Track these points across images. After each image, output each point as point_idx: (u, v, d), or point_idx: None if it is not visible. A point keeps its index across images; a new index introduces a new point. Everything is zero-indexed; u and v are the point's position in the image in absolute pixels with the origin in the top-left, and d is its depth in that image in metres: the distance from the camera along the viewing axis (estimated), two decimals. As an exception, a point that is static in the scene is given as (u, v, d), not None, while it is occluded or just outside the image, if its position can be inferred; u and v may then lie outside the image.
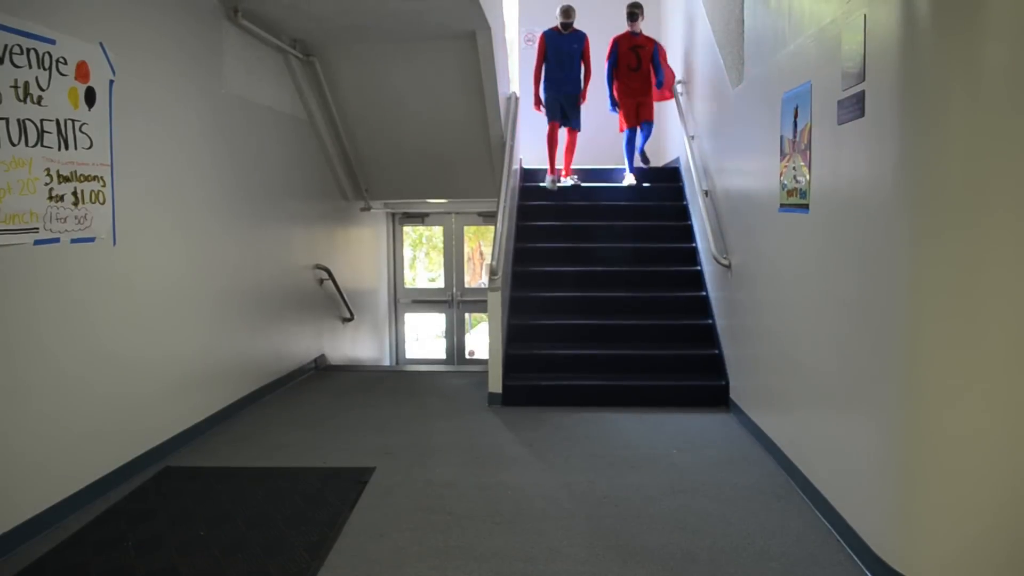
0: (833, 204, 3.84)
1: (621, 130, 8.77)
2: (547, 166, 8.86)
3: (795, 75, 4.37)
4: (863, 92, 3.42)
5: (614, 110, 8.81)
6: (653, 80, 8.73)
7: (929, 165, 3.02)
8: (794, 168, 4.39)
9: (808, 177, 4.16)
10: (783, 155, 4.60)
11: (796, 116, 4.34)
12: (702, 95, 7.43)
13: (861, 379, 3.50)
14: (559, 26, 8.56)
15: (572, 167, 8.97)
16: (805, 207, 4.22)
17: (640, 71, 8.65)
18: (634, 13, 8.61)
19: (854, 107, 3.51)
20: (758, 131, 5.20)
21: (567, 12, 8.51)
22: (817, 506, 4.06)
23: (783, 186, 4.62)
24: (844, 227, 3.69)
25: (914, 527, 3.16)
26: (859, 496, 3.56)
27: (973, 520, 3.04)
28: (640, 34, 8.67)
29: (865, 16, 3.39)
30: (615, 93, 8.75)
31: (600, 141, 9.92)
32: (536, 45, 8.64)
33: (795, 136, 4.36)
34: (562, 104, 8.56)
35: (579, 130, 8.72)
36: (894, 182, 3.18)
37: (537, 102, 8.68)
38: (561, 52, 8.52)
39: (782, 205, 4.65)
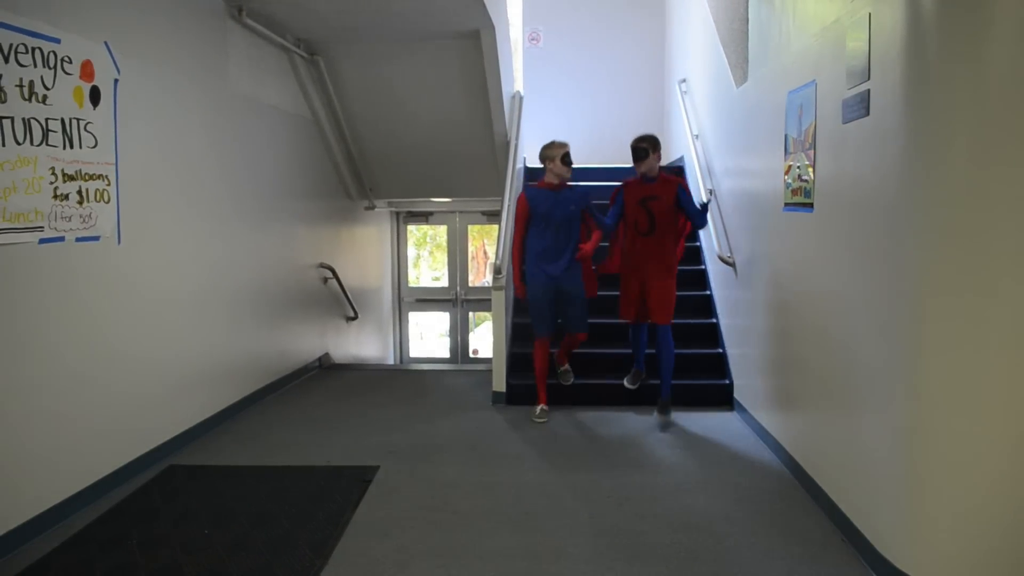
0: (838, 203, 3.83)
1: (623, 318, 5.97)
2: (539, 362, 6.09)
3: (800, 74, 4.36)
4: (868, 91, 3.41)
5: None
6: (680, 245, 5.89)
7: (934, 164, 3.01)
8: (798, 167, 4.39)
9: (812, 176, 4.15)
10: (787, 154, 4.60)
11: (801, 115, 4.33)
12: (706, 93, 7.42)
13: (866, 378, 3.49)
14: (549, 180, 5.85)
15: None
16: (810, 206, 4.21)
17: (654, 236, 5.67)
18: (641, 149, 5.65)
19: (859, 106, 3.50)
20: (762, 130, 5.19)
21: (564, 158, 5.78)
22: (822, 506, 4.06)
23: (787, 185, 4.61)
24: (849, 226, 3.68)
25: (920, 527, 3.15)
26: (864, 496, 3.55)
27: (979, 520, 3.03)
28: (657, 180, 5.71)
29: (870, 15, 3.38)
30: (615, 259, 6.02)
31: (603, 131, 9.90)
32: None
33: (800, 135, 4.35)
34: (558, 291, 5.87)
35: (585, 333, 6.08)
36: (899, 181, 3.17)
37: (520, 285, 6.03)
38: (552, 219, 5.79)
39: (786, 204, 4.65)
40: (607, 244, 6.23)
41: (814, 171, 4.13)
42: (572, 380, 6.27)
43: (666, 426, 5.62)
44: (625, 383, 6.15)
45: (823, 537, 3.77)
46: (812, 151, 4.15)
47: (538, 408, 5.99)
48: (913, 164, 3.09)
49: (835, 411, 3.92)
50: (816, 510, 4.08)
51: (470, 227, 11.87)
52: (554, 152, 5.80)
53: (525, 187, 6.06)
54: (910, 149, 3.11)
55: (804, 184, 4.30)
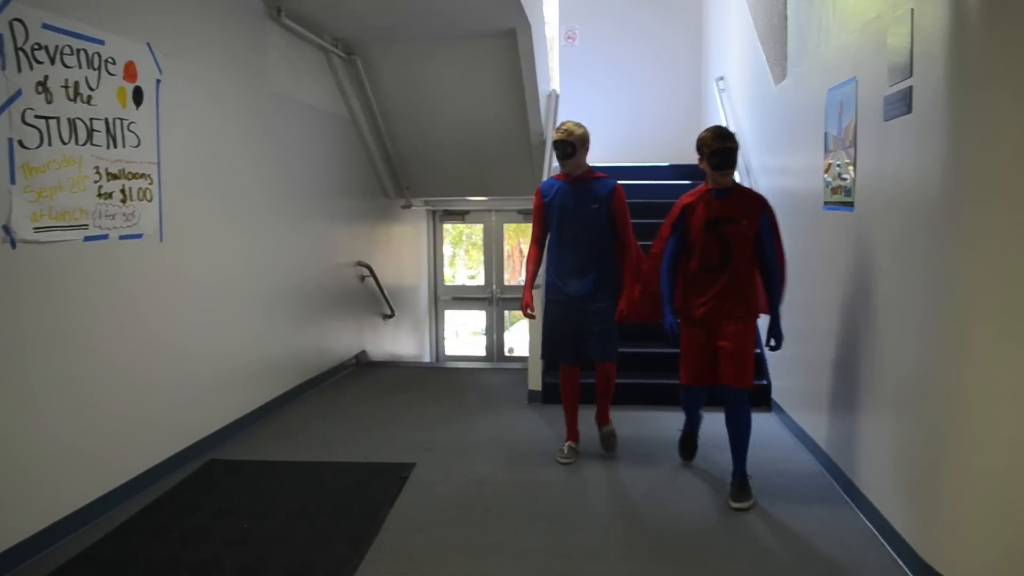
0: (879, 202, 3.78)
1: (683, 382, 4.44)
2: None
3: (840, 71, 4.31)
4: (910, 88, 3.36)
5: (673, 333, 4.32)
6: (756, 286, 4.32)
7: (978, 162, 2.96)
8: (838, 165, 4.33)
9: (853, 175, 4.10)
10: (827, 152, 4.54)
11: (841, 112, 4.28)
12: (744, 91, 7.36)
13: (907, 380, 3.44)
14: (563, 170, 4.79)
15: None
16: (850, 205, 4.16)
17: (728, 272, 4.19)
18: (727, 151, 4.12)
19: (901, 103, 3.45)
20: (801, 128, 5.14)
21: (565, 145, 4.63)
22: (861, 509, 4.01)
23: (827, 184, 4.56)
24: (890, 225, 3.63)
25: (961, 531, 3.10)
26: (904, 499, 3.50)
27: (1020, 525, 2.97)
28: (733, 191, 4.24)
29: (912, 10, 3.33)
30: (675, 306, 4.42)
31: (640, 130, 9.84)
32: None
33: (840, 133, 4.30)
34: (576, 311, 4.74)
35: (614, 361, 4.88)
36: (942, 179, 3.12)
37: (530, 301, 4.93)
38: (566, 218, 4.72)
39: (826, 203, 4.59)
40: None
41: (855, 169, 4.08)
42: (617, 443, 4.97)
43: (742, 496, 4.16)
44: (680, 454, 4.78)
45: (862, 540, 3.72)
46: (853, 149, 4.10)
47: (565, 446, 4.94)
48: (957, 162, 3.04)
49: (874, 413, 3.86)
50: (855, 512, 4.03)
51: (506, 226, 11.89)
52: (555, 142, 4.73)
53: (543, 181, 5.06)
54: (954, 147, 3.05)
55: (844, 183, 4.24)
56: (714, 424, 5.00)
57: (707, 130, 4.24)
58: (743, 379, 4.15)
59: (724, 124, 7.77)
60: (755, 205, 4.23)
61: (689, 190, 4.43)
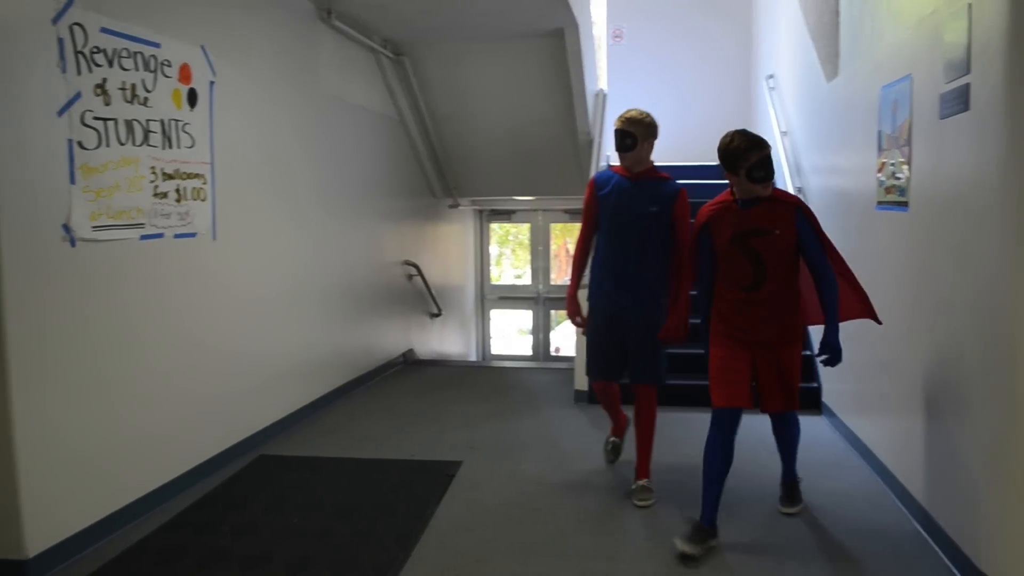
0: (935, 202, 3.70)
1: (715, 403, 3.69)
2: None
3: (894, 68, 4.23)
4: (967, 85, 3.28)
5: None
6: (807, 301, 3.87)
7: (1039, 160, 2.89)
8: (892, 164, 4.26)
9: (908, 174, 4.02)
10: (880, 151, 4.46)
11: (895, 110, 4.20)
12: (794, 89, 7.26)
13: (961, 383, 3.37)
14: (622, 165, 4.21)
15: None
16: (904, 204, 4.08)
17: (764, 291, 3.66)
18: (768, 159, 3.57)
19: (958, 101, 3.37)
20: (854, 126, 5.05)
21: (624, 136, 4.08)
22: (914, 514, 3.93)
23: (880, 183, 4.48)
24: (946, 226, 3.55)
25: (1015, 537, 3.02)
26: (958, 504, 3.42)
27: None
28: (765, 200, 3.65)
29: (970, 5, 3.25)
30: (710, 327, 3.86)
31: (688, 128, 9.75)
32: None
33: (894, 131, 4.22)
34: (622, 323, 4.20)
35: (659, 385, 4.28)
36: (1000, 179, 3.04)
37: (574, 307, 4.41)
38: (620, 217, 4.13)
39: (879, 203, 4.51)
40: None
41: (910, 169, 4.00)
42: (652, 501, 4.18)
43: (793, 499, 4.10)
44: (678, 544, 3.55)
45: (915, 547, 3.65)
46: (907, 148, 4.02)
47: (609, 441, 4.82)
48: (1016, 160, 2.96)
49: (927, 416, 3.78)
50: (907, 518, 3.95)
51: (552, 225, 11.89)
52: (616, 132, 4.16)
53: (598, 172, 4.45)
54: (1013, 145, 2.98)
55: (898, 182, 4.16)
56: (762, 423, 4.94)
57: (732, 140, 3.59)
58: (792, 403, 3.84)
59: (774, 123, 7.69)
60: (787, 210, 3.66)
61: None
